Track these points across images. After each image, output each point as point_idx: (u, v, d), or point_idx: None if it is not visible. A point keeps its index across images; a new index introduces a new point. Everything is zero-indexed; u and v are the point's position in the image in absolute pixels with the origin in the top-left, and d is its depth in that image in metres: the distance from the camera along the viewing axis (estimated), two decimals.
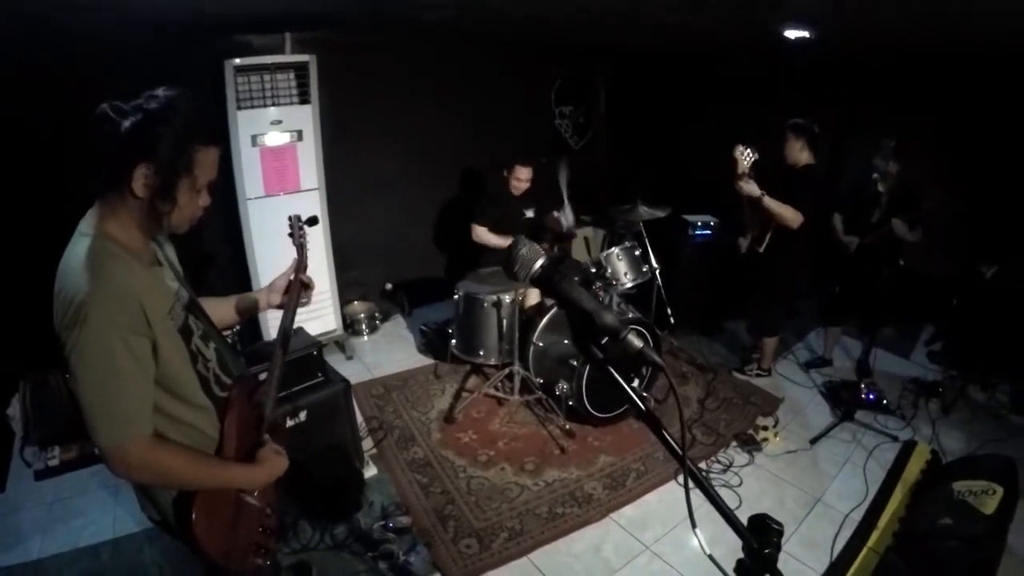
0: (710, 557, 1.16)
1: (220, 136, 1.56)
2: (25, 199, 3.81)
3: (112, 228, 1.45)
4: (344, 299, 5.37)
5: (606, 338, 1.21)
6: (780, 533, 1.20)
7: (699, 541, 1.16)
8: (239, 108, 4.22)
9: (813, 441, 4.10)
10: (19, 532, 3.23)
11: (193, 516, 1.54)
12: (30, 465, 3.73)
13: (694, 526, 1.19)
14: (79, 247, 1.41)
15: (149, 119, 1.38)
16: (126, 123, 1.36)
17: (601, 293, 4.17)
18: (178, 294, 1.63)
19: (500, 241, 4.74)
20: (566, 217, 4.99)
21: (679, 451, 1.20)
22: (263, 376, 1.99)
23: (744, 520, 1.23)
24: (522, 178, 4.78)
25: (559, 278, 1.24)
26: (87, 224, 1.46)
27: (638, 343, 1.18)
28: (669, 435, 1.23)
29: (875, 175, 4.34)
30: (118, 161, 1.39)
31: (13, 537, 3.19)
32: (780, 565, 1.16)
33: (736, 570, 1.23)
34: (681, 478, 3.62)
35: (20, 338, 3.54)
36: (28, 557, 3.06)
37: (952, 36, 3.82)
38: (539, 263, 1.26)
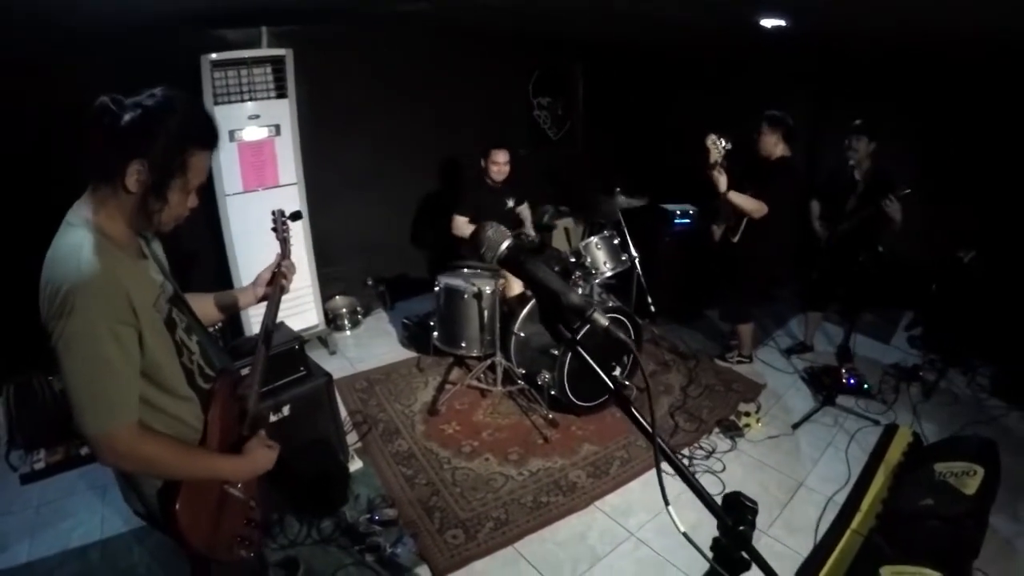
0: (684, 535, 1.17)
1: (215, 141, 1.58)
2: (5, 201, 3.76)
3: (101, 220, 1.46)
4: (325, 294, 5.34)
5: (574, 318, 1.21)
6: (754, 511, 1.21)
7: (672, 519, 1.17)
8: (216, 103, 4.17)
9: (795, 426, 4.14)
10: (6, 537, 3.19)
11: (177, 507, 1.55)
12: (15, 469, 3.68)
13: (667, 503, 1.19)
14: (67, 237, 1.42)
15: (148, 116, 1.39)
16: (125, 117, 1.38)
17: (581, 282, 4.17)
18: (163, 287, 1.64)
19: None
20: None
21: (648, 429, 1.19)
22: (247, 370, 1.99)
23: (719, 499, 1.24)
24: (500, 161, 4.74)
25: (525, 258, 1.24)
26: (76, 215, 1.46)
27: (604, 321, 1.18)
28: (639, 414, 1.22)
29: (851, 161, 4.36)
30: (114, 154, 1.40)
31: (2, 541, 3.16)
32: (765, 550, 1.17)
33: (712, 548, 1.24)
34: (665, 464, 3.66)
35: (2, 341, 3.50)
36: (16, 561, 3.03)
37: (925, 26, 3.85)
38: (505, 244, 1.26)
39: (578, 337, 1.24)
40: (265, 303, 2.11)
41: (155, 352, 1.51)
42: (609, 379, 1.24)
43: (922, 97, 5.17)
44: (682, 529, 1.18)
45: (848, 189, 4.43)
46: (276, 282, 2.08)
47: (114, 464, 1.49)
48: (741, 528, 1.19)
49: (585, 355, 1.23)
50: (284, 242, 2.21)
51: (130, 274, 1.47)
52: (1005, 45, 4.01)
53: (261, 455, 1.77)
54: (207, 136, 1.54)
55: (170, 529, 1.59)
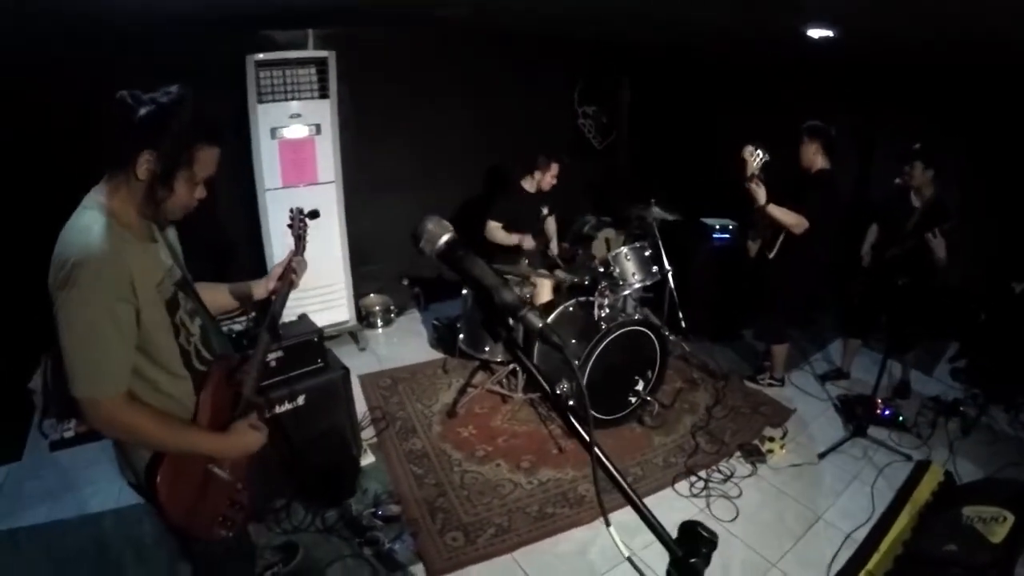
0: (628, 559, 1.13)
1: (221, 138, 1.68)
2: (43, 181, 3.91)
3: (113, 204, 1.58)
4: (360, 292, 5.41)
5: (507, 316, 1.19)
6: (711, 544, 1.16)
7: (615, 540, 1.13)
8: (260, 101, 4.31)
9: (821, 455, 4.00)
10: (31, 498, 3.40)
11: (158, 478, 1.66)
12: (46, 436, 3.87)
13: (608, 524, 1.17)
14: (81, 218, 1.54)
15: (161, 111, 1.52)
16: (141, 111, 1.50)
17: (608, 292, 4.11)
18: (171, 271, 1.75)
19: (512, 239, 4.73)
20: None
21: (587, 438, 1.16)
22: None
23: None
24: (554, 172, 4.84)
25: (462, 254, 1.22)
26: (91, 199, 1.59)
27: (537, 322, 1.16)
28: (576, 422, 1.19)
29: (897, 180, 4.20)
30: (127, 144, 1.52)
31: (25, 502, 3.37)
32: None
33: None
34: (679, 485, 3.59)
35: (43, 315, 3.65)
36: (36, 520, 3.23)
37: (980, 44, 3.69)
38: (445, 239, 1.24)
39: (513, 336, 1.21)
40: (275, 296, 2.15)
41: (152, 330, 1.61)
42: (550, 385, 1.21)
43: (978, 117, 4.94)
44: (626, 553, 1.14)
45: (905, 215, 4.24)
46: (286, 277, 2.13)
47: (100, 427, 1.57)
48: (692, 560, 1.14)
49: (522, 356, 1.20)
50: (299, 239, 2.26)
51: (135, 255, 1.57)
52: None
53: (246, 435, 1.83)
54: (213, 133, 1.65)
55: (152, 500, 1.69)
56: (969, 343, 5.16)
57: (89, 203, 1.58)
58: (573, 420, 1.20)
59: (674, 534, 1.16)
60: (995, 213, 4.66)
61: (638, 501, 1.18)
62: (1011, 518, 2.97)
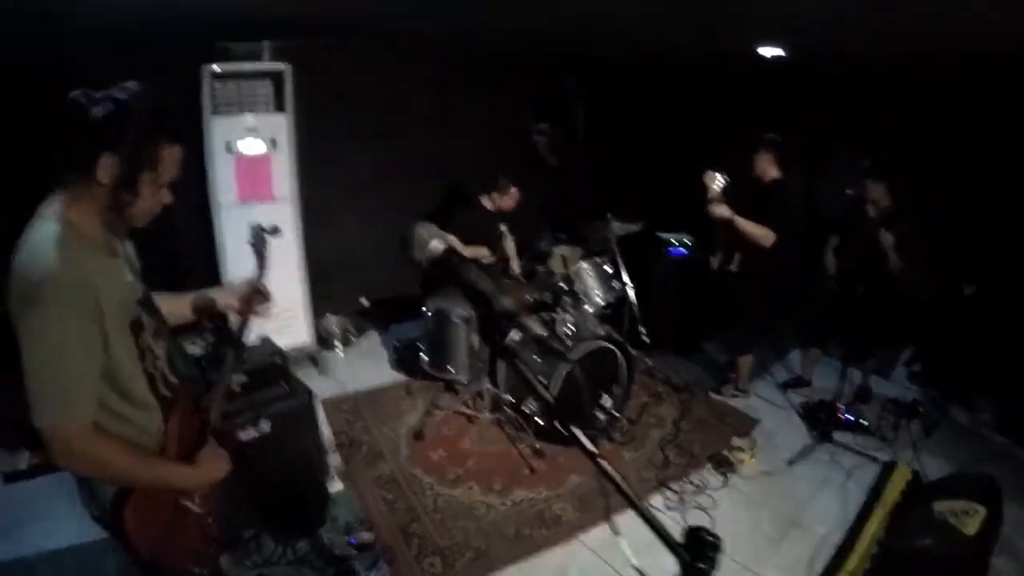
0: (636, 568, 1.09)
1: (184, 136, 1.58)
2: None
3: (73, 215, 1.46)
4: (318, 313, 5.28)
5: (505, 322, 1.16)
6: (716, 547, 1.14)
7: (623, 550, 1.09)
8: (215, 113, 4.20)
9: (790, 462, 4.04)
10: None
11: (126, 512, 1.55)
12: None
13: (616, 533, 1.12)
14: (40, 230, 1.43)
15: (119, 109, 1.42)
16: (96, 109, 1.40)
17: (571, 309, 4.08)
18: (133, 288, 1.65)
19: (471, 252, 4.68)
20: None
21: (591, 449, 1.13)
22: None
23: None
24: (514, 195, 4.88)
25: (457, 260, 1.18)
26: (48, 209, 1.47)
27: (538, 329, 1.13)
28: (579, 433, 1.16)
29: (848, 191, 4.32)
30: (85, 147, 1.42)
31: None
32: None
33: None
34: (654, 499, 3.56)
35: None
36: None
37: (923, 58, 3.84)
38: (434, 245, 1.20)
39: (510, 344, 1.18)
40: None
41: (117, 353, 1.50)
42: (547, 391, 1.17)
43: (924, 127, 5.11)
44: (634, 562, 1.10)
45: (860, 224, 4.34)
46: (250, 299, 2.03)
47: (65, 461, 1.46)
48: (701, 566, 1.11)
49: (520, 366, 1.17)
50: (261, 257, 2.16)
51: (101, 271, 1.47)
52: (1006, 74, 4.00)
53: (212, 464, 1.75)
54: (176, 131, 1.55)
55: (120, 536, 1.58)
56: (924, 347, 5.29)
57: (46, 213, 1.46)
58: (577, 434, 1.16)
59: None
60: (945, 218, 4.80)
61: (644, 510, 1.14)
62: (982, 510, 3.03)
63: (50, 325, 1.35)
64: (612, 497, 3.57)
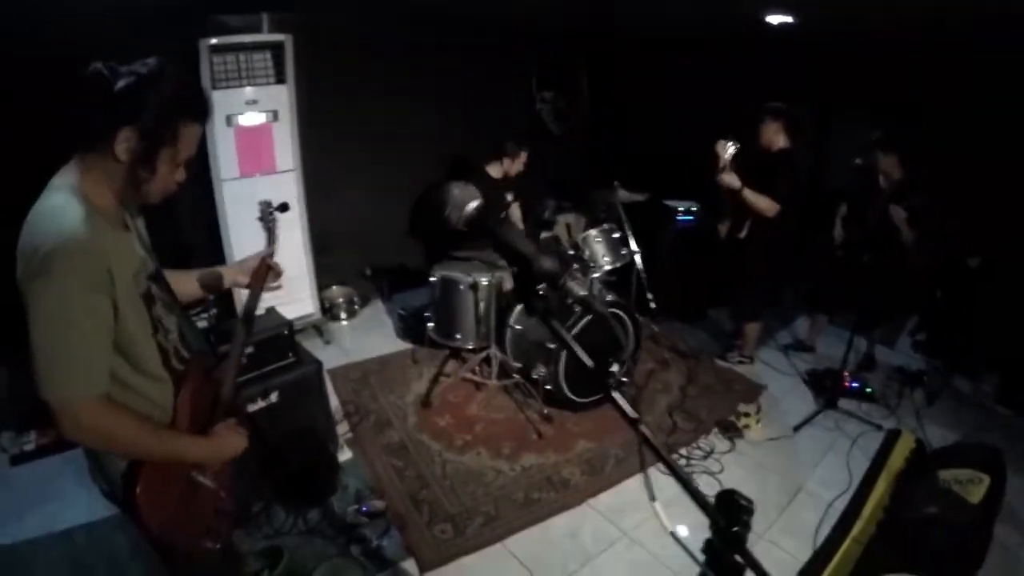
0: (672, 534, 1.09)
1: (206, 115, 1.55)
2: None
3: (87, 187, 1.43)
4: (322, 283, 5.27)
5: (546, 285, 1.13)
6: (750, 511, 1.13)
7: (659, 515, 1.08)
8: (214, 87, 4.12)
9: (796, 428, 4.06)
10: None
11: (137, 488, 1.52)
12: (6, 450, 3.64)
13: (653, 499, 1.11)
14: (51, 200, 1.40)
15: (141, 84, 1.39)
16: (119, 84, 1.37)
17: (579, 276, 4.08)
18: (144, 262, 1.62)
19: None
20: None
21: (632, 415, 1.11)
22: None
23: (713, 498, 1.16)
24: (523, 160, 4.86)
25: (495, 221, 1.16)
26: (61, 179, 1.44)
27: (580, 290, 1.10)
28: (621, 399, 1.14)
29: (858, 160, 4.28)
30: (105, 120, 1.39)
31: None
32: (762, 554, 1.09)
33: (704, 550, 1.16)
34: (662, 464, 3.56)
35: None
36: (2, 542, 3.00)
37: (934, 25, 3.77)
38: (474, 205, 1.17)
39: (551, 307, 1.16)
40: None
41: (130, 326, 1.47)
42: (597, 368, 1.15)
43: (929, 97, 5.05)
44: (669, 528, 1.09)
45: (871, 195, 4.31)
46: (260, 274, 2.02)
47: (74, 434, 1.42)
48: (735, 529, 1.11)
49: (559, 327, 1.15)
50: (270, 232, 2.16)
51: (112, 243, 1.43)
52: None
53: (228, 439, 1.72)
54: (199, 108, 1.52)
55: (129, 510, 1.55)
56: (929, 317, 5.30)
57: (59, 183, 1.43)
58: (617, 399, 1.14)
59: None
60: (952, 189, 4.78)
61: (682, 473, 1.13)
62: (987, 479, 3.06)
63: (58, 296, 1.32)
64: (625, 464, 3.62)
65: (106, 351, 1.43)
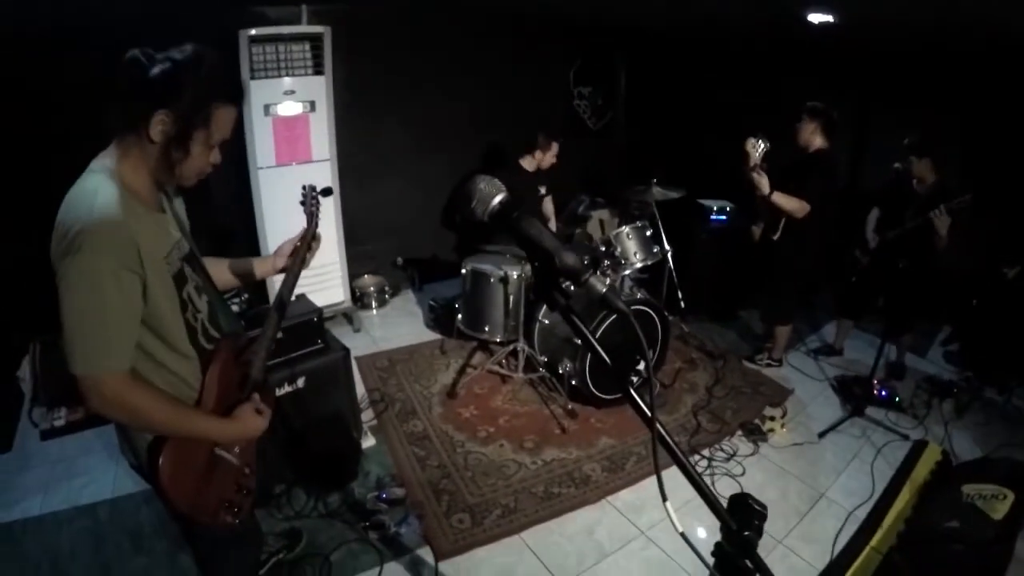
0: (682, 535, 1.10)
1: (239, 97, 1.60)
2: (34, 160, 3.80)
3: (123, 169, 1.49)
4: (354, 272, 5.35)
5: (568, 281, 1.14)
6: (763, 516, 1.14)
7: (669, 515, 1.10)
8: (253, 78, 4.20)
9: (821, 435, 4.01)
10: (23, 489, 3.28)
11: (161, 462, 1.57)
12: (37, 425, 3.77)
13: (664, 499, 1.12)
14: (86, 182, 1.45)
15: (176, 68, 1.43)
16: (155, 69, 1.42)
17: (610, 272, 4.09)
18: (179, 244, 1.67)
19: None
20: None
21: (648, 413, 1.12)
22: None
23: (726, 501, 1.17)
24: (555, 152, 4.88)
25: (519, 215, 1.17)
26: (98, 163, 1.50)
27: (600, 287, 1.11)
28: (638, 397, 1.15)
29: (896, 165, 4.21)
30: (140, 103, 1.43)
31: (17, 494, 3.25)
32: (779, 560, 1.10)
33: (714, 553, 1.17)
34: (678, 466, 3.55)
35: (32, 300, 3.58)
36: (29, 514, 3.11)
37: (974, 31, 3.70)
38: (498, 199, 1.19)
39: (571, 302, 1.17)
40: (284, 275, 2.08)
41: (159, 303, 1.52)
42: (621, 365, 1.16)
43: (971, 102, 4.95)
44: (680, 529, 1.10)
45: (905, 199, 4.25)
46: (297, 255, 2.05)
47: (101, 408, 1.46)
48: (746, 533, 1.11)
49: (579, 323, 1.16)
50: (311, 216, 2.17)
51: (143, 223, 1.48)
52: None
53: (250, 419, 1.75)
54: (232, 91, 1.57)
55: (153, 483, 1.60)
56: (962, 327, 5.20)
57: (96, 167, 1.48)
58: (635, 397, 1.15)
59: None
60: (987, 198, 4.68)
61: (697, 476, 1.14)
62: (1011, 496, 2.99)
63: (87, 273, 1.36)
64: (645, 462, 3.63)
65: (133, 328, 1.47)
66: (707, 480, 3.39)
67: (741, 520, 1.13)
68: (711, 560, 1.16)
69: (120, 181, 1.46)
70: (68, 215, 1.39)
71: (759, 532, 1.12)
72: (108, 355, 1.42)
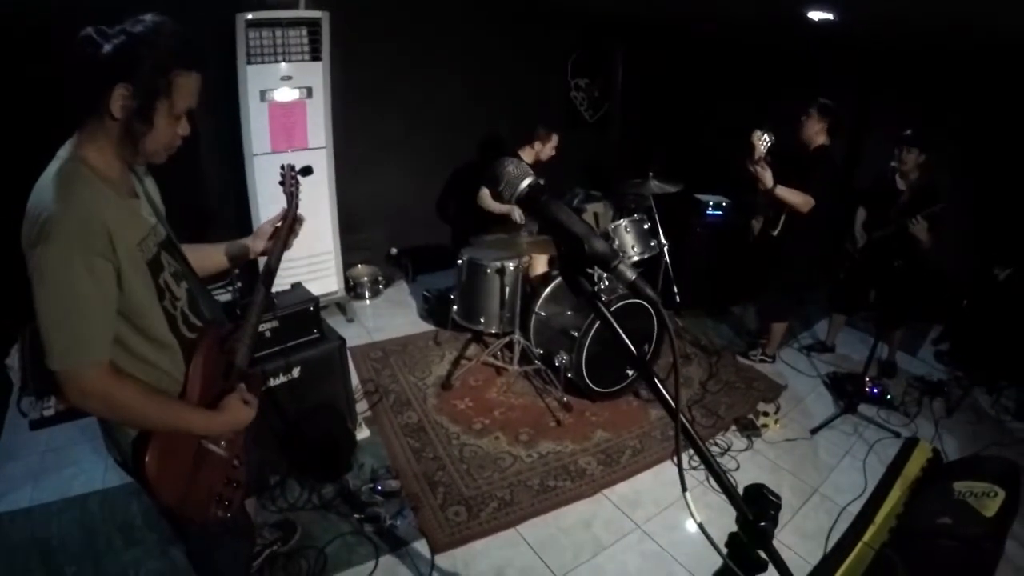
0: (700, 526, 1.09)
1: (201, 63, 1.52)
2: (19, 145, 3.74)
3: (89, 153, 1.44)
4: (348, 262, 5.32)
5: (598, 267, 1.13)
6: (778, 506, 1.14)
7: (689, 506, 1.09)
8: (249, 63, 4.15)
9: (814, 431, 4.03)
10: (11, 480, 3.23)
11: (147, 458, 1.53)
12: (26, 415, 3.68)
13: (685, 489, 1.11)
14: (53, 169, 1.41)
15: (132, 40, 1.38)
16: (107, 46, 1.36)
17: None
18: (154, 229, 1.62)
19: (504, 208, 4.66)
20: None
21: (672, 404, 1.11)
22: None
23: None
24: (554, 144, 4.88)
25: (547, 199, 1.15)
26: (65, 149, 1.46)
27: (631, 274, 1.10)
28: (663, 388, 1.14)
29: (892, 163, 4.23)
30: (97, 81, 1.38)
31: (5, 485, 3.19)
32: None
33: (728, 544, 1.17)
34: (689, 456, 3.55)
35: (22, 287, 3.53)
36: (18, 505, 3.06)
37: (974, 31, 3.71)
38: (527, 182, 1.17)
39: (601, 293, 1.16)
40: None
41: (134, 292, 1.48)
42: (635, 349, 1.15)
43: (970, 103, 4.98)
44: (699, 519, 1.10)
45: (890, 198, 4.28)
46: (277, 236, 1.99)
47: (80, 403, 1.43)
48: (762, 524, 1.11)
49: (606, 312, 1.15)
50: (291, 196, 2.10)
51: (114, 209, 1.44)
52: None
53: (237, 410, 1.71)
54: (192, 57, 1.49)
55: (141, 480, 1.56)
56: (953, 327, 5.24)
57: (63, 154, 1.44)
58: (659, 387, 1.14)
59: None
60: (981, 199, 4.72)
61: (717, 468, 1.14)
62: (1002, 493, 3.02)
63: (58, 261, 1.32)
64: (641, 456, 3.63)
65: (108, 318, 1.44)
66: (702, 474, 3.45)
67: (757, 510, 1.12)
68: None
69: (87, 165, 1.43)
70: (36, 204, 1.36)
71: (775, 523, 1.12)
72: (85, 347, 1.39)
